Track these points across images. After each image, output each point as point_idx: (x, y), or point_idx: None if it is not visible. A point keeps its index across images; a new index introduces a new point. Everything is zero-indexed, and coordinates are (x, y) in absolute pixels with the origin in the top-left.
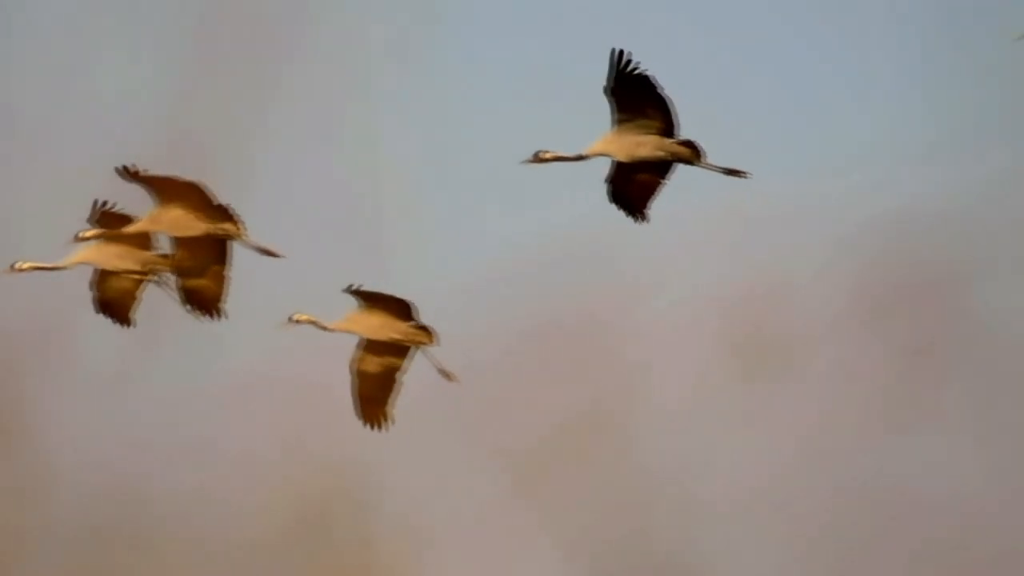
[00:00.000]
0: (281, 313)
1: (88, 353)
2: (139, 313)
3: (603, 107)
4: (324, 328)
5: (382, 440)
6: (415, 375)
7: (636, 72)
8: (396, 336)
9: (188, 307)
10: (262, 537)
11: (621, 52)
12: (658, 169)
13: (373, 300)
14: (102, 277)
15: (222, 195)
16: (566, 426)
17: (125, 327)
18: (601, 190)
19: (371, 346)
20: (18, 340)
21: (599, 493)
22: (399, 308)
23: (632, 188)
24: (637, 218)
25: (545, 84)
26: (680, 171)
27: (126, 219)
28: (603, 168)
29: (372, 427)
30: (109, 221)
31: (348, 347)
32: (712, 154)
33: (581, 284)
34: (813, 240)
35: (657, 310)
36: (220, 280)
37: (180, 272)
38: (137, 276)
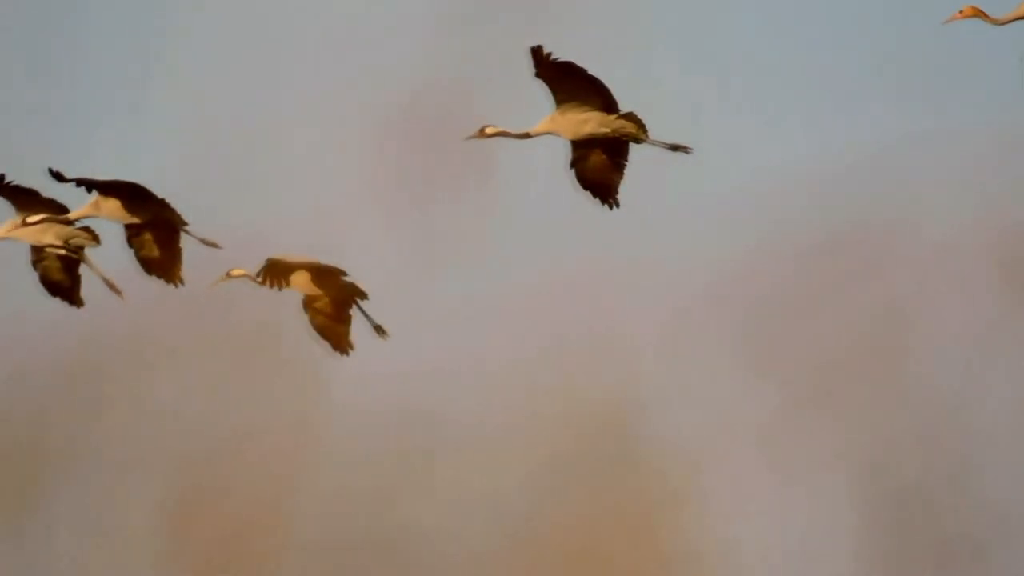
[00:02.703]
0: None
1: (361, 272)
2: (408, 230)
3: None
4: (260, 283)
5: (656, 363)
6: (688, 298)
7: (556, 60)
8: (331, 292)
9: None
10: (533, 465)
11: (538, 48)
12: (614, 151)
13: (301, 266)
14: (37, 256)
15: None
16: (844, 349)
17: (77, 308)
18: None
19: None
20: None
21: (879, 421)
22: (330, 268)
23: (594, 171)
24: (609, 205)
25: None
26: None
27: (31, 192)
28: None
29: (340, 353)
30: (14, 194)
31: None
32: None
33: (861, 204)
34: None
35: (932, 232)
36: (175, 252)
37: (136, 245)
38: (61, 251)
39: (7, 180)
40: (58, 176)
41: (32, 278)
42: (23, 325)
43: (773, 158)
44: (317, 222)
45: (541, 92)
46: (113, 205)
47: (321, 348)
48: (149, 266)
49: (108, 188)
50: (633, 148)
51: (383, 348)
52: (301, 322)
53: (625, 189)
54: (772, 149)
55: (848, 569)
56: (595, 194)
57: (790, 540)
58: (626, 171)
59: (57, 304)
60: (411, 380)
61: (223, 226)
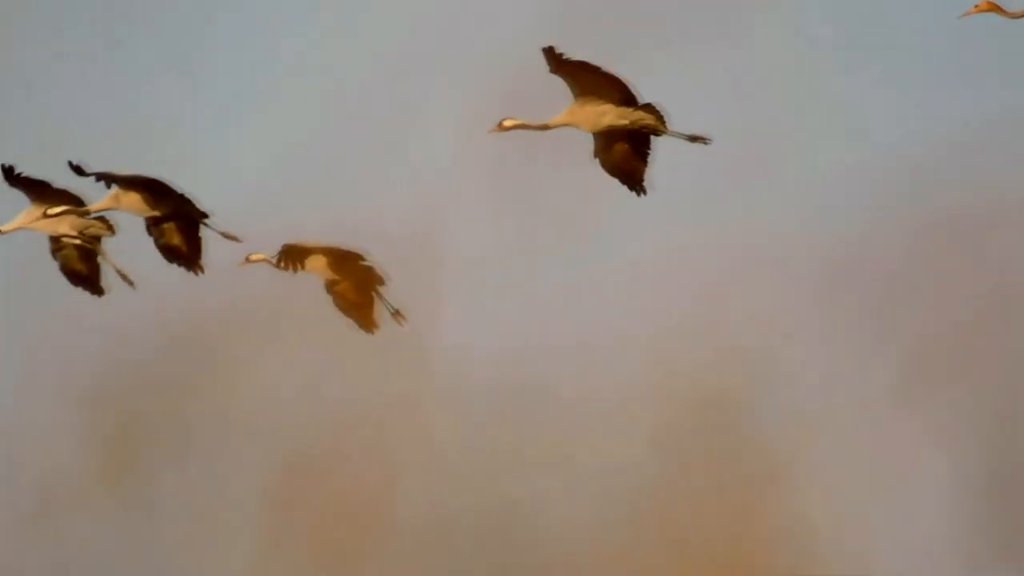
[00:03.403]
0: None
1: (466, 249)
2: (512, 206)
3: None
4: (278, 267)
5: (763, 340)
6: (795, 276)
7: (569, 59)
8: (350, 278)
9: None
10: (639, 442)
11: (550, 48)
12: (637, 140)
13: (318, 250)
14: (56, 246)
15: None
16: (951, 328)
17: (97, 296)
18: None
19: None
20: (408, 241)
21: (986, 400)
22: (349, 253)
23: (619, 160)
24: (637, 192)
25: None
26: None
27: (43, 184)
28: None
29: (366, 331)
30: (26, 186)
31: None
32: None
33: (972, 182)
34: None
35: None
36: (196, 241)
37: (155, 233)
38: (77, 241)
39: (17, 172)
40: (78, 170)
41: (143, 256)
42: (131, 302)
43: (882, 138)
44: (424, 203)
45: (639, 72)
46: (133, 198)
47: (426, 326)
48: (170, 254)
49: (128, 183)
50: (753, 123)
51: (489, 326)
52: (401, 292)
53: (734, 167)
54: (883, 128)
55: (952, 547)
56: (623, 182)
57: (894, 517)
58: (729, 147)
59: (163, 280)
60: (516, 357)
61: (320, 213)
